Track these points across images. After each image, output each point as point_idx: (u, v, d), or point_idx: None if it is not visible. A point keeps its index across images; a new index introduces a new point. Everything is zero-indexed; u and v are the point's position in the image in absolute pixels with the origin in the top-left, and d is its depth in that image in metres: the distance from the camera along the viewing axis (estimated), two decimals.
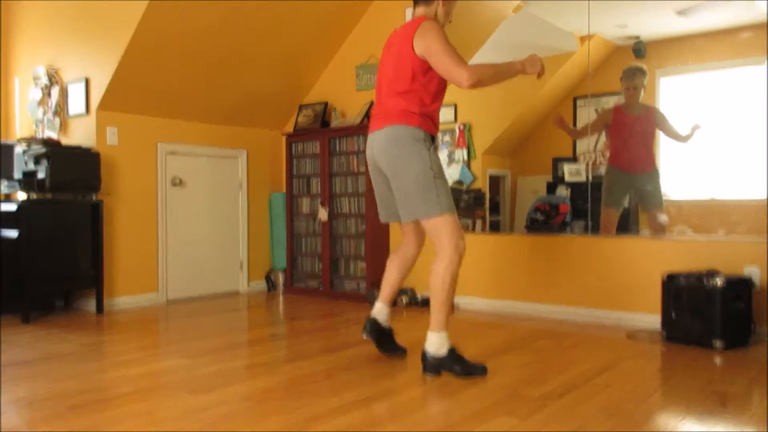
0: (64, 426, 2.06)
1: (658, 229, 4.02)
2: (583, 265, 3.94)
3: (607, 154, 4.26)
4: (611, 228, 4.11)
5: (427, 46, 2.60)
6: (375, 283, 4.70)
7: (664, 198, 4.10)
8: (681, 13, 3.91)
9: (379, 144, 2.74)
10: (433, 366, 2.64)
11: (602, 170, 4.27)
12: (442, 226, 2.64)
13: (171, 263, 4.84)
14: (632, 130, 4.19)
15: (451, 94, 3.04)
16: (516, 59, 2.72)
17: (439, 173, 2.68)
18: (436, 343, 2.64)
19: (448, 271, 2.62)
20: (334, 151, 5.02)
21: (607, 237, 3.97)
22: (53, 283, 4.17)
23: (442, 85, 2.74)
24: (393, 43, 2.80)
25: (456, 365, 2.61)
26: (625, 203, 4.20)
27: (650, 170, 4.15)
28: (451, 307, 2.70)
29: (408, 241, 2.98)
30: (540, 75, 2.73)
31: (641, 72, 4.12)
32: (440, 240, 2.64)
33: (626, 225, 4.17)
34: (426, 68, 2.66)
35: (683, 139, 4.04)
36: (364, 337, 2.96)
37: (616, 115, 4.21)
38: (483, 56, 4.74)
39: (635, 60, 4.16)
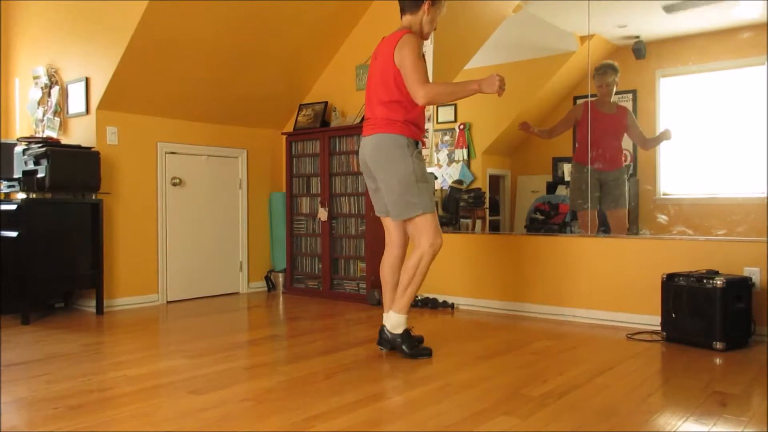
0: (64, 426, 2.06)
1: (618, 227, 4.07)
2: (583, 265, 3.94)
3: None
4: (593, 227, 4.13)
5: (401, 59, 2.86)
6: (375, 284, 4.71)
7: (665, 197, 4.10)
8: (667, 9, 3.92)
9: (368, 150, 3.02)
10: (387, 341, 3.00)
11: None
12: (421, 225, 2.93)
13: (171, 263, 4.83)
14: (602, 127, 4.19)
15: None
16: (474, 79, 2.92)
17: (422, 177, 2.94)
18: (395, 322, 2.97)
19: (420, 263, 2.92)
20: (334, 150, 5.02)
21: (606, 237, 3.96)
22: (53, 283, 4.17)
23: None
24: (379, 52, 3.03)
25: (405, 345, 2.96)
26: (593, 201, 4.19)
27: (617, 168, 4.18)
28: (414, 293, 2.99)
29: (391, 240, 3.16)
30: (500, 93, 2.85)
31: (612, 69, 4.16)
32: (419, 237, 2.95)
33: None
34: None
35: (648, 144, 4.10)
36: (381, 350, 3.07)
37: (586, 112, 4.22)
38: (483, 57, 4.74)
39: (635, 60, 4.16)
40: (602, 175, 4.19)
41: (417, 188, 2.90)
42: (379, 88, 2.97)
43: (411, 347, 2.96)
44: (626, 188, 4.18)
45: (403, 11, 3.03)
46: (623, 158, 4.22)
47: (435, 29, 3.11)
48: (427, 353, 2.98)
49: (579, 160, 4.25)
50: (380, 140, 2.95)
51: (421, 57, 2.88)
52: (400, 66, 2.87)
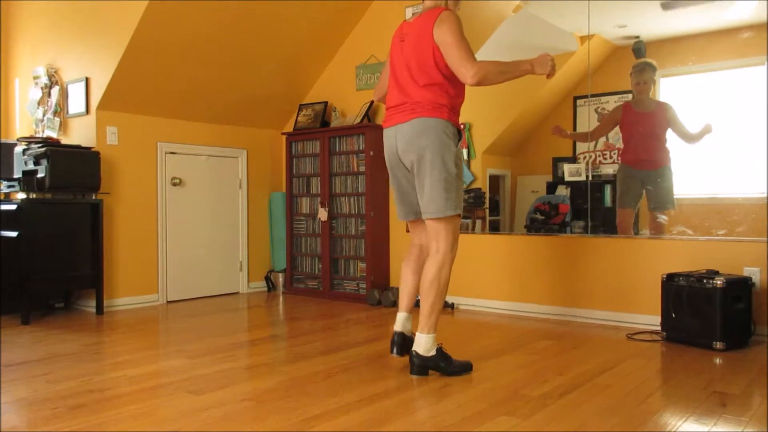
0: (64, 426, 2.06)
1: (658, 231, 4.01)
2: (583, 265, 3.94)
3: (608, 154, 4.25)
4: (628, 228, 4.09)
5: (443, 35, 2.57)
6: (375, 284, 4.71)
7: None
8: (664, 6, 3.90)
9: (405, 136, 2.67)
10: (420, 367, 2.65)
11: (603, 170, 4.26)
12: (447, 227, 2.64)
13: (171, 263, 4.83)
14: (643, 127, 4.17)
15: None
16: (525, 58, 2.68)
17: (461, 173, 2.69)
18: (425, 345, 2.64)
19: (443, 272, 2.63)
20: (334, 150, 5.02)
21: (606, 237, 3.96)
22: (53, 283, 4.17)
23: None
24: (408, 34, 2.73)
25: (442, 362, 2.64)
26: (641, 200, 4.15)
27: (662, 167, 4.12)
28: (442, 308, 2.69)
29: (419, 242, 2.91)
30: (550, 75, 2.68)
31: (651, 67, 4.08)
32: (440, 240, 2.65)
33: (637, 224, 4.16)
34: None
35: (692, 139, 3.99)
36: (394, 355, 2.80)
37: (626, 112, 4.19)
38: (484, 56, 4.74)
39: (635, 60, 4.16)
40: (645, 175, 4.14)
41: (456, 186, 2.64)
42: (416, 71, 2.65)
43: (450, 364, 2.66)
44: (673, 187, 4.03)
45: None
46: (668, 157, 4.12)
47: (458, 9, 2.83)
48: (467, 368, 2.70)
49: (625, 161, 4.20)
50: (425, 123, 2.61)
51: (463, 34, 2.58)
52: (440, 43, 2.57)
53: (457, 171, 2.65)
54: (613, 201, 4.22)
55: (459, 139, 2.70)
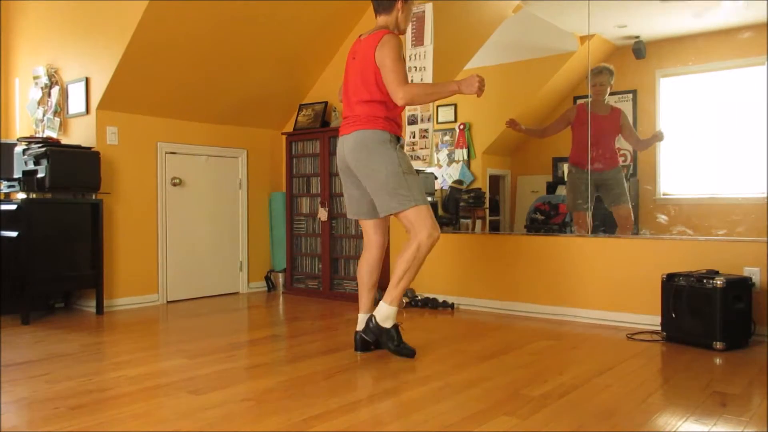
0: (64, 426, 2.06)
1: (622, 228, 4.06)
2: (583, 265, 3.94)
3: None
4: (586, 227, 4.13)
5: (381, 59, 2.86)
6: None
7: (665, 197, 4.10)
8: (696, 15, 3.92)
9: (348, 147, 2.97)
10: (373, 333, 2.96)
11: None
12: (415, 217, 2.88)
13: (171, 263, 4.83)
14: (597, 128, 4.20)
15: None
16: (453, 80, 2.95)
17: (409, 169, 2.92)
18: (384, 314, 2.94)
19: (419, 252, 2.88)
20: (334, 150, 4.99)
21: (606, 237, 3.96)
22: (53, 283, 4.17)
23: None
24: (357, 51, 3.02)
25: (390, 342, 2.94)
26: (592, 202, 4.19)
27: (613, 168, 4.19)
28: (407, 285, 2.94)
29: (370, 242, 3.15)
30: (478, 94, 2.86)
31: (607, 70, 4.18)
32: (415, 229, 2.90)
33: (611, 224, 4.18)
34: None
35: (641, 145, 4.11)
36: (358, 352, 3.05)
37: (579, 113, 4.23)
38: (483, 57, 4.74)
39: (635, 60, 4.16)
40: (599, 175, 4.19)
41: (406, 180, 2.88)
42: (360, 88, 2.96)
43: (396, 343, 2.94)
44: (625, 186, 4.17)
45: (377, 12, 3.05)
46: (620, 158, 4.22)
47: (409, 23, 3.15)
48: (410, 353, 2.94)
49: (575, 161, 4.26)
50: (362, 136, 2.92)
51: (401, 58, 2.88)
52: (380, 65, 2.87)
53: (404, 168, 2.89)
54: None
55: (398, 144, 2.96)
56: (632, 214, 4.16)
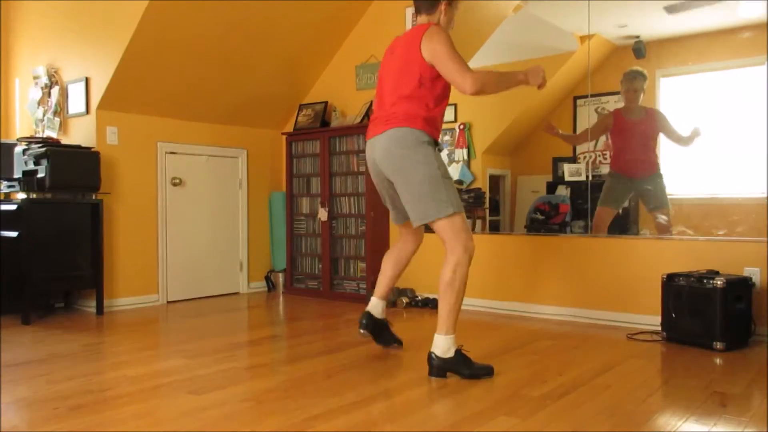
0: (64, 426, 2.06)
1: (662, 230, 4.01)
2: (583, 266, 3.94)
3: (608, 154, 4.25)
4: (603, 227, 4.11)
5: (434, 50, 2.61)
6: (375, 284, 4.70)
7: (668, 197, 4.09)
8: (669, 9, 3.91)
9: (382, 147, 2.73)
10: (439, 369, 2.61)
11: (603, 170, 4.26)
12: (451, 227, 2.62)
13: (171, 264, 4.83)
14: (633, 134, 4.18)
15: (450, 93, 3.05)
16: (519, 69, 2.75)
17: (446, 174, 2.68)
18: (443, 347, 2.60)
19: (458, 272, 2.60)
20: (334, 150, 5.01)
21: (606, 237, 3.96)
22: (53, 283, 4.17)
23: (446, 90, 2.75)
24: (396, 46, 2.81)
25: (463, 367, 2.59)
26: (623, 205, 4.19)
27: (652, 174, 4.13)
28: (460, 309, 2.66)
29: (406, 239, 3.03)
30: (541, 86, 2.74)
31: (641, 75, 4.10)
32: (450, 240, 2.63)
33: (625, 226, 4.17)
34: (434, 74, 2.67)
35: (684, 142, 4.02)
36: (361, 332, 3.02)
37: (617, 120, 4.20)
38: (484, 56, 4.74)
39: (635, 60, 4.16)
40: (636, 183, 4.16)
41: (444, 185, 2.62)
42: (401, 82, 2.70)
43: (470, 367, 2.60)
44: (665, 189, 4.06)
45: (418, 11, 2.83)
46: (657, 164, 4.14)
47: (452, 28, 2.88)
48: (488, 371, 2.63)
49: (617, 169, 4.20)
50: (398, 134, 2.67)
51: (455, 47, 2.63)
52: (431, 58, 2.62)
53: (441, 173, 2.65)
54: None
55: (436, 146, 2.72)
56: (670, 217, 4.10)
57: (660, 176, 4.10)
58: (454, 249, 2.61)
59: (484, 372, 2.61)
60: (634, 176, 4.17)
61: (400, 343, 3.14)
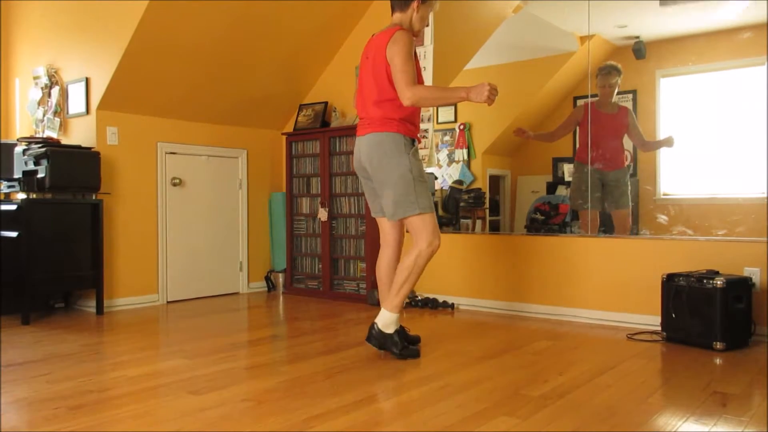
0: (64, 426, 2.06)
1: (621, 228, 4.06)
2: (583, 266, 3.94)
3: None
4: (593, 228, 4.13)
5: (391, 58, 2.83)
6: (375, 284, 4.70)
7: (665, 197, 4.10)
8: (662, 2, 3.92)
9: (363, 150, 2.99)
10: (376, 339, 2.95)
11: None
12: (419, 225, 2.90)
13: (171, 264, 4.83)
14: (605, 127, 4.20)
15: None
16: (463, 86, 2.88)
17: (420, 176, 2.91)
18: (385, 321, 2.93)
19: (417, 261, 2.89)
20: (334, 150, 5.02)
21: (606, 237, 3.96)
22: (53, 283, 4.17)
23: None
24: (370, 50, 2.99)
25: (394, 347, 2.93)
26: (597, 194, 4.19)
27: (619, 168, 4.18)
28: (408, 292, 2.95)
29: (387, 241, 3.14)
30: (489, 103, 2.80)
31: (616, 70, 4.17)
32: (417, 236, 2.92)
33: (610, 224, 4.18)
34: None
35: (647, 147, 4.10)
36: (373, 347, 2.99)
37: (590, 112, 4.23)
38: (483, 57, 4.75)
39: (635, 60, 4.16)
40: (603, 175, 4.19)
41: (415, 187, 2.87)
42: (372, 87, 2.93)
43: (400, 348, 2.93)
44: (628, 188, 4.17)
45: (393, 9, 3.02)
46: (625, 159, 4.22)
47: (427, 26, 3.07)
48: (415, 354, 2.95)
49: (580, 159, 4.26)
50: (376, 139, 2.91)
51: (412, 56, 2.84)
52: (390, 63, 2.84)
53: (415, 175, 2.88)
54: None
55: (412, 147, 2.93)
56: (630, 218, 4.16)
57: (625, 173, 4.15)
58: (419, 242, 2.91)
59: (412, 354, 2.94)
60: (603, 168, 4.18)
61: (417, 340, 3.18)
